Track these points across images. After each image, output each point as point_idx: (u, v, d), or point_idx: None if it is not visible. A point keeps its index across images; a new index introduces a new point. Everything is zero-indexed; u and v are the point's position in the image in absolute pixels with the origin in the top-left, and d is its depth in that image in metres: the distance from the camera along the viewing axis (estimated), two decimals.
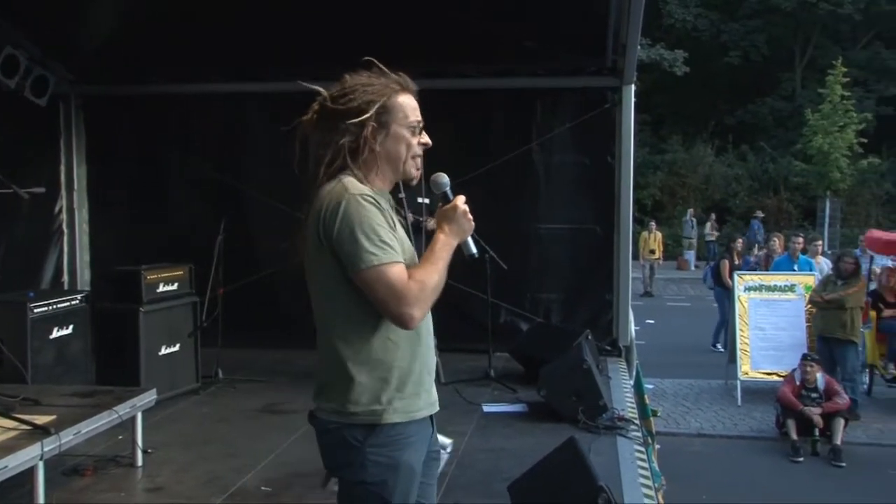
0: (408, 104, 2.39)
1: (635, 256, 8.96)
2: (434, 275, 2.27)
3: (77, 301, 5.73)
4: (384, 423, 2.26)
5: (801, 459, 8.11)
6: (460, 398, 5.75)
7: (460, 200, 2.42)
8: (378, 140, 2.34)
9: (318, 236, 2.25)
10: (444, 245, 2.35)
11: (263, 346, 7.23)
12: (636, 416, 5.39)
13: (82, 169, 7.87)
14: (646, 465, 4.49)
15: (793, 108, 32.23)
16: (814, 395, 8.42)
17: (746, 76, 34.28)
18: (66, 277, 7.81)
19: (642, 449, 4.75)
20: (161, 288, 5.84)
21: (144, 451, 4.54)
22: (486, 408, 5.63)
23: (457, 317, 7.07)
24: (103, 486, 4.19)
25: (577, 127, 7.30)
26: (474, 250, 2.48)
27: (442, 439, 2.90)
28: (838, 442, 8.19)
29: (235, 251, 6.55)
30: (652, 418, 6.96)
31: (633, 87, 7.03)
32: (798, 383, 8.53)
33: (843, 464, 7.99)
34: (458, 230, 2.39)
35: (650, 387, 9.45)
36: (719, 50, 33.73)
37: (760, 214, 25.27)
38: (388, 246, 2.21)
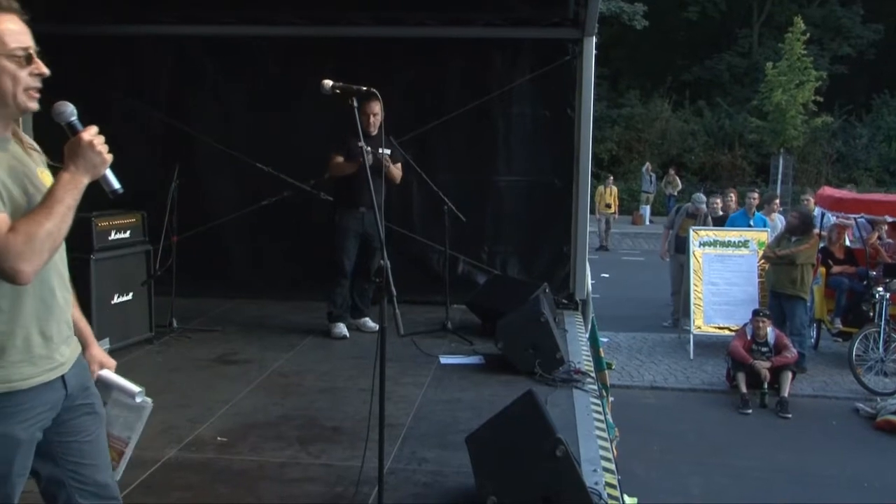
0: (5, 30, 2.05)
1: (591, 211, 8.98)
2: (46, 221, 2.00)
3: None
4: None
5: (750, 411, 8.29)
6: (417, 350, 5.74)
7: (87, 132, 2.13)
8: None
9: None
10: (68, 184, 2.07)
11: (215, 296, 7.17)
12: (592, 368, 5.44)
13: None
14: (601, 417, 4.53)
15: (749, 65, 32.43)
16: (764, 349, 8.58)
17: (704, 32, 34.35)
18: None
19: (597, 401, 4.79)
20: (113, 235, 5.67)
21: None
22: (444, 359, 5.63)
23: (414, 268, 7.09)
24: None
25: (536, 79, 7.25)
26: (116, 185, 2.22)
27: (130, 386, 2.60)
28: (785, 394, 8.39)
29: (184, 199, 6.33)
30: (606, 371, 7.04)
31: (594, 39, 6.98)
32: (749, 338, 8.68)
33: (790, 415, 8.18)
34: (86, 165, 2.10)
35: (605, 340, 9.56)
36: (678, 5, 33.68)
37: None
38: None
